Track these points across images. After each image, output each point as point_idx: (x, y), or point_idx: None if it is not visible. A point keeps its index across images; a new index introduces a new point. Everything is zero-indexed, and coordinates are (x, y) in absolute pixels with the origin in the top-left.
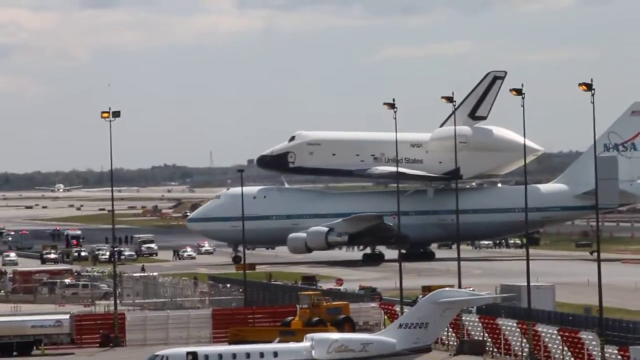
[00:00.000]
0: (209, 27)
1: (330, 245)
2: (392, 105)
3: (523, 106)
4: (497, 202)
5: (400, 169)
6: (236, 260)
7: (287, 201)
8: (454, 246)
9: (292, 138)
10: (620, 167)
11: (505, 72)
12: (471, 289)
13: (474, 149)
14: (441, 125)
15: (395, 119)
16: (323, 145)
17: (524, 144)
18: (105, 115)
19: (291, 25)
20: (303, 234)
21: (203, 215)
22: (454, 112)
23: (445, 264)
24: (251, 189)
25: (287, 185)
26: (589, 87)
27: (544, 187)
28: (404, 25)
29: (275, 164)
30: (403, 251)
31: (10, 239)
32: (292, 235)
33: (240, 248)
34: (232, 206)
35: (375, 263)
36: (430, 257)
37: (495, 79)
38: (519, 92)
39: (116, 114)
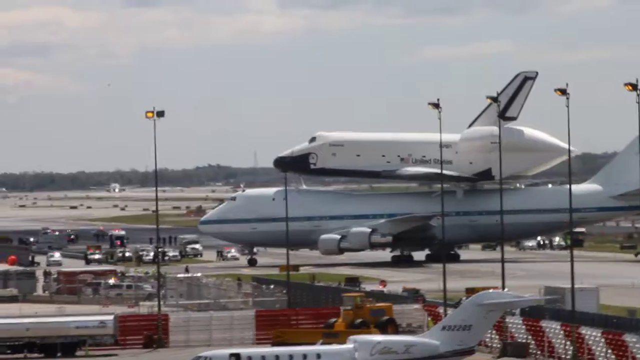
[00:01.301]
0: (250, 26)
1: (372, 246)
2: (436, 105)
3: (567, 106)
4: (530, 203)
5: (435, 170)
6: (252, 262)
7: (307, 203)
8: (498, 247)
9: (313, 139)
10: None
11: (537, 73)
12: (507, 290)
13: (505, 149)
14: (469, 126)
15: (439, 119)
16: (346, 146)
17: (568, 145)
18: (150, 115)
19: (332, 25)
20: (336, 235)
21: (217, 217)
22: (483, 112)
23: (490, 265)
24: (268, 190)
25: (304, 187)
26: (634, 87)
27: (577, 188)
28: (442, 25)
29: (296, 166)
30: (429, 252)
31: (35, 240)
32: (324, 236)
33: (255, 250)
34: (249, 208)
35: (405, 265)
36: (455, 258)
37: (525, 79)
38: (563, 92)
39: (160, 114)
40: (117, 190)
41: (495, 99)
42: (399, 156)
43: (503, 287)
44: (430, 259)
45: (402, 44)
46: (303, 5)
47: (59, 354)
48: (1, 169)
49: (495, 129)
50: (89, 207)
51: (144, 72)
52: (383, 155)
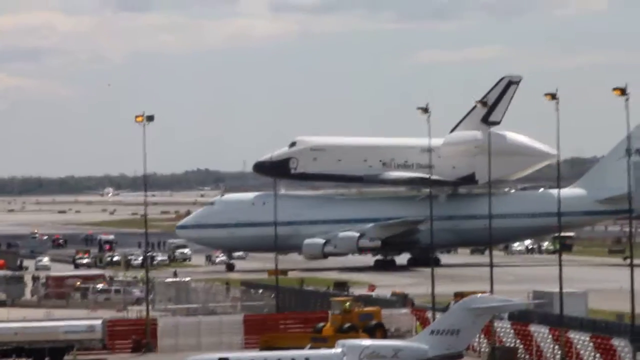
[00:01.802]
0: (242, 30)
1: (360, 251)
2: (425, 110)
3: (557, 110)
4: (515, 207)
5: (418, 174)
6: (230, 267)
7: (287, 207)
8: (486, 252)
9: (293, 144)
10: None
11: (521, 77)
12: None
13: (491, 153)
14: (452, 130)
15: (429, 123)
16: (328, 150)
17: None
18: (139, 119)
19: (325, 29)
20: (320, 240)
21: (195, 222)
22: (465, 117)
23: (478, 269)
24: (247, 195)
25: (284, 192)
26: (623, 91)
27: (561, 192)
28: (435, 29)
29: (276, 170)
30: (410, 256)
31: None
32: (308, 240)
33: (234, 255)
34: (228, 213)
35: (388, 269)
36: (436, 263)
37: (510, 84)
38: (553, 96)
39: (150, 118)
40: (110, 194)
41: (484, 103)
42: (380, 161)
43: (491, 291)
44: (412, 263)
45: (395, 49)
46: (296, 10)
47: (47, 359)
48: None
49: (478, 133)
50: (77, 212)
51: (135, 76)
52: (365, 160)
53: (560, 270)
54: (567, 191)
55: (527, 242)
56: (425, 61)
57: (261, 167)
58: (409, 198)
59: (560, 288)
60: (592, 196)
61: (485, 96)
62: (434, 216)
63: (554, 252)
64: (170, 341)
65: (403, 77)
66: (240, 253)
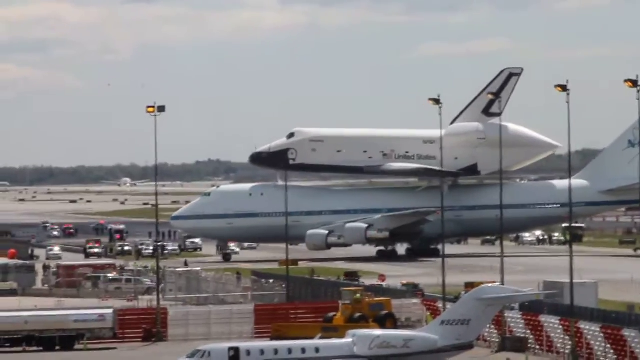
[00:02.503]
0: (250, 22)
1: (369, 242)
2: (437, 101)
3: (568, 102)
4: (517, 198)
5: (421, 165)
6: (226, 258)
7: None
8: (497, 242)
9: (291, 135)
10: None
11: (522, 69)
12: (497, 283)
13: (491, 145)
14: (453, 122)
15: (440, 114)
16: (327, 141)
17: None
18: (151, 109)
19: (332, 22)
20: (324, 230)
21: (191, 213)
22: (466, 108)
23: (488, 260)
24: (244, 186)
25: (280, 182)
26: (634, 83)
27: (562, 183)
28: (442, 22)
29: (274, 162)
30: (409, 247)
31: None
32: (312, 231)
33: (230, 245)
34: (225, 203)
35: (389, 259)
36: (436, 253)
37: (510, 76)
38: (564, 88)
39: (161, 109)
40: (128, 184)
41: (495, 94)
42: (381, 152)
43: (502, 282)
44: (411, 254)
45: (401, 41)
46: (303, 1)
47: (57, 348)
48: (1, 163)
49: (479, 124)
50: (88, 201)
51: (144, 67)
52: (365, 151)
53: (571, 261)
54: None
55: (538, 232)
56: (430, 54)
57: (258, 158)
58: (410, 189)
59: (571, 279)
60: (595, 187)
61: (486, 88)
62: (436, 207)
63: (564, 242)
64: (180, 330)
65: (409, 70)
66: (250, 244)
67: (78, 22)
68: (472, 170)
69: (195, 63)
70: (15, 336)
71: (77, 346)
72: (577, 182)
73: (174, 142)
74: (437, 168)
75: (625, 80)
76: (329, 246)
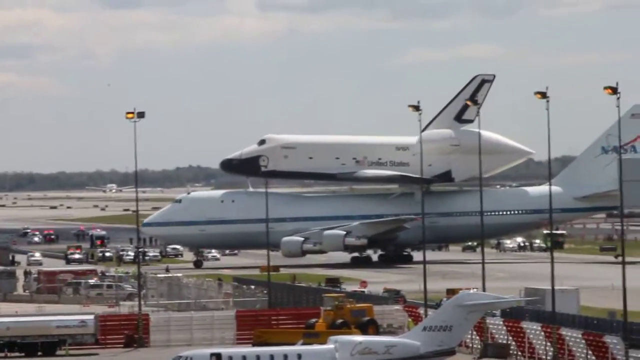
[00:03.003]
0: (231, 28)
1: (347, 249)
2: (416, 108)
3: (547, 109)
4: (490, 205)
5: (395, 172)
6: (197, 264)
7: (258, 205)
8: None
9: (262, 142)
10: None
11: (494, 76)
12: (475, 289)
13: (465, 151)
14: (424, 128)
15: (420, 121)
16: (299, 148)
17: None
18: (130, 115)
19: (314, 28)
20: (299, 237)
21: (162, 219)
22: (438, 115)
23: (470, 267)
24: (216, 193)
25: (251, 189)
26: (614, 90)
27: (535, 190)
28: (427, 28)
29: (245, 168)
30: (382, 253)
31: None
32: (287, 238)
33: (203, 252)
34: (196, 210)
35: (363, 266)
36: (408, 259)
37: (483, 82)
38: (543, 95)
39: (141, 115)
40: (114, 190)
41: (475, 101)
42: (354, 159)
43: (484, 289)
44: (383, 260)
45: (386, 47)
46: (285, 8)
47: (39, 353)
48: None
49: (452, 131)
50: (69, 207)
51: (125, 73)
52: (337, 158)
53: (552, 267)
54: (544, 188)
55: (519, 239)
56: (415, 60)
57: (229, 165)
58: (383, 196)
59: (552, 285)
60: (569, 193)
61: (458, 94)
62: (409, 213)
63: (545, 249)
64: (162, 336)
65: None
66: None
67: (60, 27)
68: (446, 176)
69: (177, 69)
70: None
71: (58, 352)
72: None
73: (154, 148)
74: (413, 175)
75: (605, 88)
76: (304, 253)
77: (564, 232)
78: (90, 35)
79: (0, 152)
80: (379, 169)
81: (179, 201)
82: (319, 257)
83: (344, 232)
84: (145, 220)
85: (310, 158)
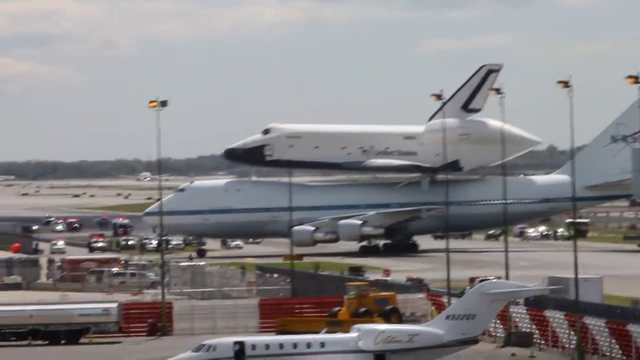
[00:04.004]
0: (252, 17)
1: (363, 238)
2: (439, 97)
3: (571, 97)
4: (498, 193)
5: (405, 162)
6: (200, 254)
7: (263, 194)
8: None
9: (267, 131)
10: (629, 158)
11: (500, 65)
12: (492, 278)
13: (473, 141)
14: (431, 118)
15: (442, 110)
16: (304, 137)
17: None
18: (153, 104)
19: (332, 17)
20: (310, 227)
21: (165, 208)
22: (445, 104)
23: (493, 255)
24: (219, 182)
25: (255, 178)
26: (636, 79)
27: (545, 179)
28: (444, 18)
29: (249, 157)
30: (389, 242)
31: None
32: (298, 227)
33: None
34: (199, 199)
35: (372, 255)
36: (414, 248)
37: (489, 72)
38: (565, 84)
39: (164, 104)
40: (148, 179)
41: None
42: (360, 148)
43: (507, 277)
44: (387, 249)
45: (403, 37)
46: None
47: (62, 342)
48: (4, 158)
49: (459, 121)
50: (92, 196)
51: (146, 62)
52: (343, 147)
53: (576, 256)
54: (552, 177)
55: (542, 228)
56: (433, 49)
57: (232, 154)
58: (390, 185)
59: (576, 274)
60: (578, 182)
61: (465, 84)
62: (418, 203)
63: (568, 238)
64: (185, 325)
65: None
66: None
67: (80, 17)
68: (454, 166)
69: (198, 58)
70: (20, 330)
71: (82, 340)
72: (559, 177)
73: (177, 136)
74: (424, 164)
75: (627, 77)
76: (315, 242)
77: (587, 220)
78: (110, 25)
79: (23, 141)
80: (387, 158)
81: (182, 190)
82: (328, 245)
83: (360, 222)
84: (147, 210)
85: (316, 147)
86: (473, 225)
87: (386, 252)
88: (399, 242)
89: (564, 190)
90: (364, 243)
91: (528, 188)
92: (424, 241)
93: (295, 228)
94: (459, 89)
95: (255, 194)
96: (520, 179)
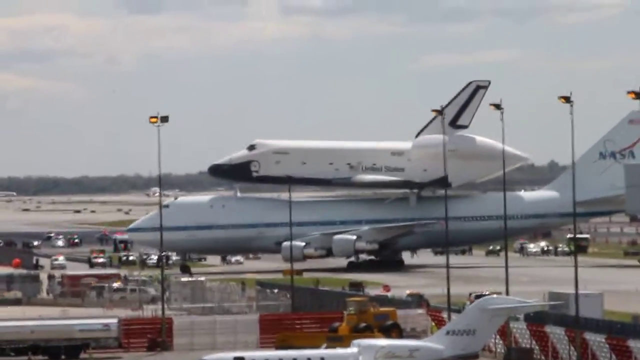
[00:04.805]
0: (254, 32)
1: (357, 253)
2: (440, 112)
3: (572, 114)
4: (484, 209)
5: (393, 178)
6: (184, 269)
7: (248, 210)
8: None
9: (252, 147)
10: (618, 174)
11: (489, 82)
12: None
13: (461, 157)
14: (418, 134)
15: (443, 125)
16: (292, 154)
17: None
18: (154, 120)
19: (334, 32)
20: (300, 242)
21: (149, 225)
22: (432, 120)
23: (494, 270)
24: (203, 198)
25: (239, 194)
26: (637, 95)
27: (533, 195)
28: (446, 33)
29: (235, 173)
30: (373, 258)
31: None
32: (287, 243)
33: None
34: (184, 215)
35: (360, 270)
36: (400, 265)
37: (478, 88)
38: (567, 99)
39: (164, 119)
40: (156, 194)
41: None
42: (348, 164)
43: (507, 293)
44: (373, 265)
45: (405, 52)
46: (305, 13)
47: (63, 357)
48: (5, 173)
49: (446, 137)
50: (92, 211)
51: (148, 78)
52: (331, 163)
53: (576, 271)
54: (541, 193)
55: (542, 243)
56: (433, 64)
57: (217, 171)
58: (377, 200)
59: (576, 289)
60: (567, 198)
61: (453, 100)
62: (406, 218)
63: (569, 253)
64: (185, 340)
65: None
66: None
67: (83, 32)
68: (442, 182)
69: (199, 73)
70: (20, 345)
71: (82, 355)
72: (547, 193)
73: (178, 152)
74: (413, 180)
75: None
76: (304, 258)
77: (587, 236)
78: (113, 40)
79: (25, 156)
80: (375, 174)
81: (167, 206)
82: (316, 261)
83: (355, 237)
84: (131, 226)
85: (304, 163)
86: (460, 241)
87: (373, 268)
88: (386, 258)
89: (552, 206)
90: (352, 259)
91: (517, 204)
92: (424, 256)
93: (285, 244)
94: (446, 105)
95: (241, 209)
96: (508, 195)
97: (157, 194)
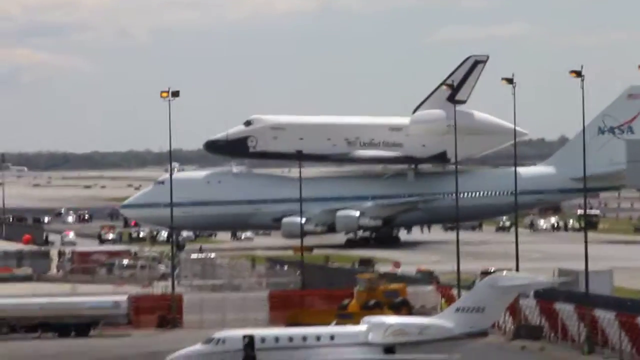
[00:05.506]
0: (264, 6)
1: (360, 229)
2: (451, 87)
3: (582, 88)
4: (485, 184)
5: (395, 153)
6: (179, 246)
7: (246, 186)
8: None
9: (249, 122)
10: (617, 149)
11: (487, 56)
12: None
13: (460, 132)
14: (416, 109)
15: (454, 101)
16: (289, 129)
17: (583, 131)
18: (164, 95)
19: (345, 5)
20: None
21: (144, 201)
22: (430, 95)
23: (503, 246)
24: (200, 174)
25: (235, 170)
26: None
27: (531, 170)
28: (459, 6)
29: (232, 149)
30: (368, 235)
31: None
32: (287, 219)
33: (183, 233)
34: (180, 191)
35: (359, 246)
36: (396, 241)
37: (476, 63)
38: (578, 74)
39: (175, 94)
40: (176, 170)
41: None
42: (346, 139)
43: (517, 269)
44: (370, 242)
45: (418, 25)
46: None
47: (72, 334)
48: (16, 149)
49: (444, 112)
50: (103, 187)
51: (159, 52)
52: (328, 139)
53: (586, 248)
54: (538, 169)
55: (553, 219)
56: (448, 38)
57: (214, 146)
58: (375, 177)
59: (586, 266)
60: (564, 174)
61: (450, 75)
62: (403, 194)
63: (579, 229)
64: (195, 317)
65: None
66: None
67: (94, 6)
68: (441, 157)
69: (210, 48)
70: (30, 322)
71: (92, 333)
72: (544, 169)
73: (189, 127)
74: (415, 156)
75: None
76: (305, 234)
77: (598, 212)
78: (124, 15)
79: (35, 131)
80: (372, 149)
81: (162, 182)
82: (314, 237)
83: (358, 213)
84: (124, 202)
85: (301, 139)
86: (462, 217)
87: (370, 245)
88: (383, 235)
89: (550, 181)
90: (350, 235)
91: (512, 180)
92: (435, 233)
93: (285, 220)
94: (444, 80)
95: (237, 186)
96: (506, 170)
97: (176, 170)
